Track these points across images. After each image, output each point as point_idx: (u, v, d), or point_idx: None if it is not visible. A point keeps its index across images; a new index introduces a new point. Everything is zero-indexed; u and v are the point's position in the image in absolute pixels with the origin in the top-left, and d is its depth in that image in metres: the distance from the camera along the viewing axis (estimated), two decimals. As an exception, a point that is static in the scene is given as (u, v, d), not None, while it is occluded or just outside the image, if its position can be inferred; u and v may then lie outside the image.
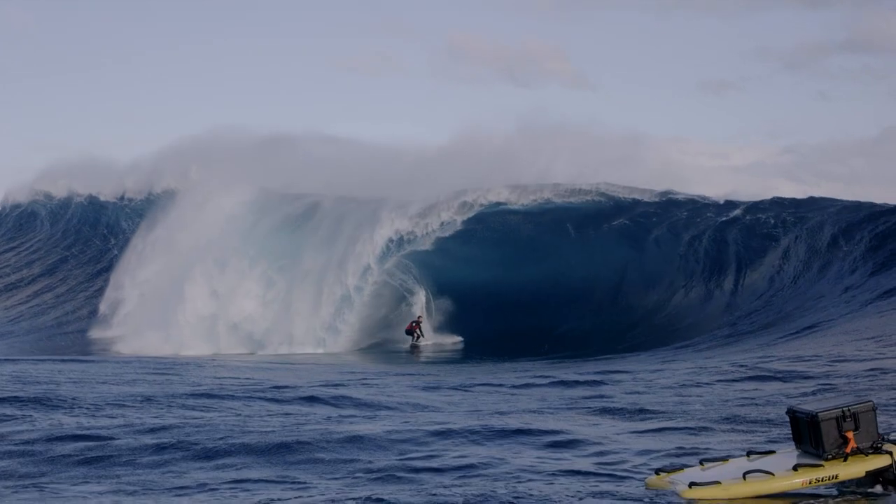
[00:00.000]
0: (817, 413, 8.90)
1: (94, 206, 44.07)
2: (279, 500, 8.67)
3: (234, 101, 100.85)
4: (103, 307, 33.90)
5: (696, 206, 29.52)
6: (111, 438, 11.13)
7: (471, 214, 30.14)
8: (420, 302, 28.87)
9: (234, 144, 38.76)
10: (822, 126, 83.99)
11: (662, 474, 9.32)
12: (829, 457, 8.80)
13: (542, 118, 35.91)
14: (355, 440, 11.06)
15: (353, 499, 8.65)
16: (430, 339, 27.99)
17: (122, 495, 8.89)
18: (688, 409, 12.89)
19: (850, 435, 8.81)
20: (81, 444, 10.81)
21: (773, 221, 27.54)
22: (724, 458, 9.53)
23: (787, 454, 9.25)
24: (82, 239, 42.72)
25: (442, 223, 29.70)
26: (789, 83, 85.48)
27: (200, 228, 31.50)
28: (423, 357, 24.80)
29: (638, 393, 14.47)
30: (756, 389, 13.87)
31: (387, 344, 27.85)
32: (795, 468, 8.75)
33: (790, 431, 9.47)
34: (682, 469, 9.40)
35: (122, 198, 43.62)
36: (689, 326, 24.77)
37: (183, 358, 22.92)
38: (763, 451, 9.58)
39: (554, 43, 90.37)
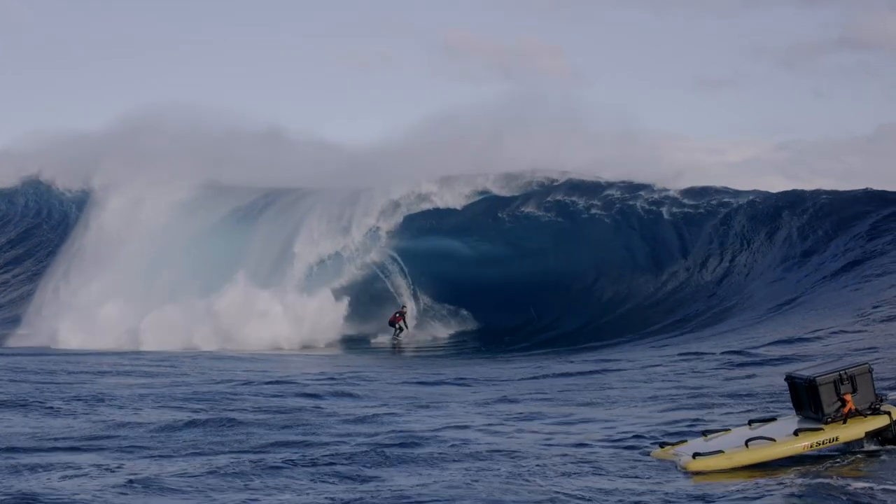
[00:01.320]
0: (815, 378, 9.01)
1: (42, 194, 41.96)
2: (280, 464, 8.76)
3: (233, 99, 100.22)
4: (27, 316, 30.20)
5: (637, 190, 29.31)
6: (113, 423, 11.21)
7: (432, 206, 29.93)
8: (405, 292, 28.18)
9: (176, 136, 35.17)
10: (818, 123, 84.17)
11: (667, 447, 9.42)
12: (829, 420, 8.90)
13: (517, 111, 34.20)
14: (358, 420, 11.16)
15: (357, 465, 8.78)
16: (440, 333, 26.88)
17: (123, 460, 9.05)
18: (688, 390, 12.96)
19: (847, 397, 8.94)
20: (84, 431, 10.87)
21: (716, 203, 27.86)
22: (727, 429, 9.67)
23: (788, 420, 9.34)
24: (34, 228, 40.79)
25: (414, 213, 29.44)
26: (785, 80, 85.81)
27: (130, 233, 29.63)
28: (411, 353, 24.38)
29: (636, 379, 14.53)
30: (751, 374, 13.96)
31: (370, 338, 27.06)
32: (796, 433, 8.84)
33: (789, 399, 9.67)
34: (686, 441, 9.54)
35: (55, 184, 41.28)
36: (669, 307, 24.65)
37: (177, 352, 22.73)
38: (764, 418, 9.75)
39: (550, 40, 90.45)
